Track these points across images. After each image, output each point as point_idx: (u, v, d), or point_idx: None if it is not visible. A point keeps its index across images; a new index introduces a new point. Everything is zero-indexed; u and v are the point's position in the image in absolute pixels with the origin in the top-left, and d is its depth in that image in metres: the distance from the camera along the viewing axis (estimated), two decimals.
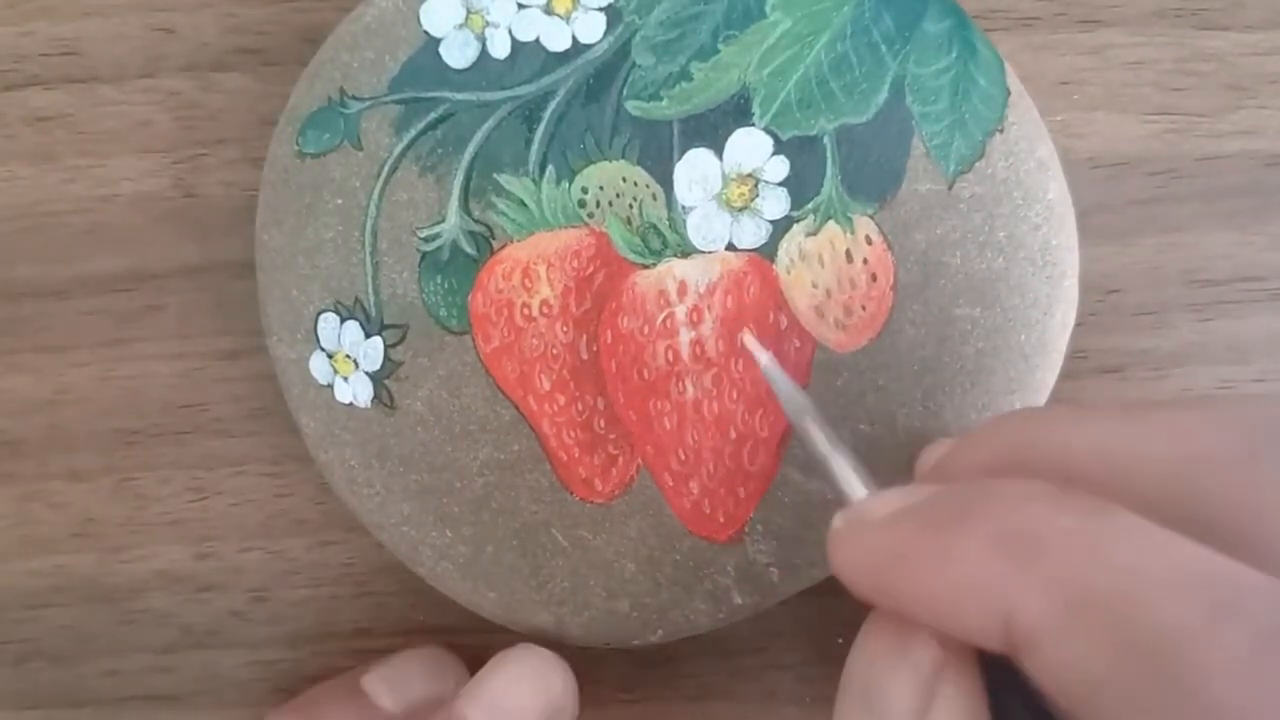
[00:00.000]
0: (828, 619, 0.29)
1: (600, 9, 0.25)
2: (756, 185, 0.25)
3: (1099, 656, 0.14)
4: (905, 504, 0.17)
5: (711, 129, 0.25)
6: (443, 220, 0.25)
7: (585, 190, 0.25)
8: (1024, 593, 0.14)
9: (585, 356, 0.25)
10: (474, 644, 0.28)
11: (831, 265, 0.25)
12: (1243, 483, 0.15)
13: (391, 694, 0.26)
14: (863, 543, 0.17)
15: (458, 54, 0.25)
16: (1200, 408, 0.17)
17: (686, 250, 0.25)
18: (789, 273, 0.25)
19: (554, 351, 0.25)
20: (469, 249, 0.25)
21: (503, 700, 0.24)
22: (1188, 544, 0.14)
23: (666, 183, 0.25)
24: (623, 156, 0.25)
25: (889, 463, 0.25)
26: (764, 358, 0.23)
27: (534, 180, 0.25)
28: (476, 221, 0.25)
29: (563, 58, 0.25)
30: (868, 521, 0.17)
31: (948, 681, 0.16)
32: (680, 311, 0.25)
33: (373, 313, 0.25)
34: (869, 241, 0.25)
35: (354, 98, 0.25)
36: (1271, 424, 0.16)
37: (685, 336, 0.25)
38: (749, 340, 0.24)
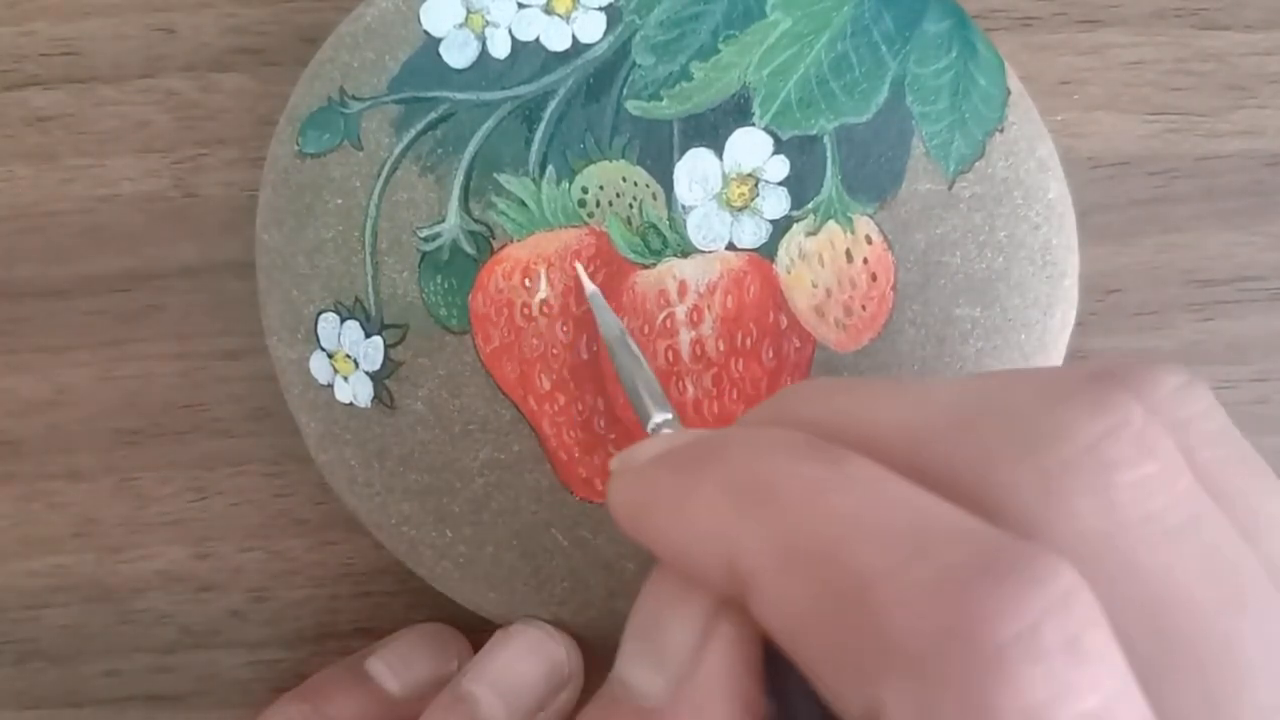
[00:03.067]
0: None
1: (600, 9, 0.25)
2: (756, 185, 0.25)
3: (804, 598, 0.14)
4: (667, 448, 0.17)
5: (711, 129, 0.25)
6: (443, 220, 0.25)
7: (585, 190, 0.25)
8: (745, 537, 0.15)
9: (585, 356, 0.25)
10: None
11: (831, 265, 0.25)
12: (963, 444, 0.15)
13: (396, 677, 0.26)
14: (624, 484, 0.17)
15: (458, 54, 0.25)
16: (943, 381, 0.17)
17: (686, 250, 0.25)
18: (789, 272, 0.25)
19: (554, 351, 0.25)
20: (469, 249, 0.25)
21: (507, 675, 0.24)
22: (914, 494, 0.14)
23: (666, 182, 0.25)
24: (623, 156, 0.25)
25: None
26: (591, 287, 0.24)
27: (534, 180, 0.25)
28: (476, 221, 0.25)
29: (563, 57, 0.25)
30: (632, 464, 0.17)
31: (726, 622, 0.16)
32: (680, 311, 0.25)
33: (373, 312, 0.25)
34: (869, 241, 0.25)
35: (354, 98, 0.25)
36: (984, 394, 0.16)
37: (685, 336, 0.25)
38: (580, 271, 0.25)
